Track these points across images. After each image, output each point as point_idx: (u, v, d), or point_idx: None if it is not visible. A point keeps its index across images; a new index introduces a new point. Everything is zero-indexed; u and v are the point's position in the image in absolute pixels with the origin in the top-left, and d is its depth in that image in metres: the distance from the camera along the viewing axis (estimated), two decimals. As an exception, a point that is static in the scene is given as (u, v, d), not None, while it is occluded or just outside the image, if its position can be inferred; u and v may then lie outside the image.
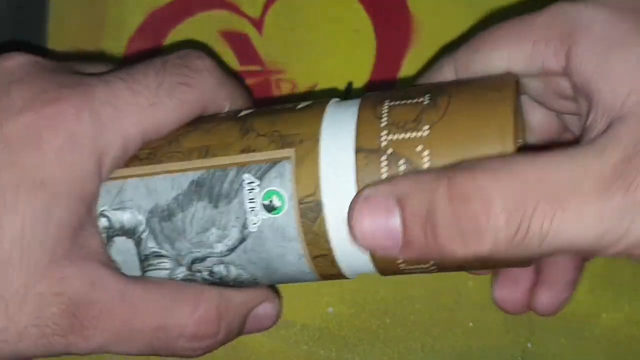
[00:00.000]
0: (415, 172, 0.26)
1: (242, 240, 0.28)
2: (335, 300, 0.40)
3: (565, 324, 0.40)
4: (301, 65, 0.42)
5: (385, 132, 0.26)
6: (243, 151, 0.28)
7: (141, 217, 0.29)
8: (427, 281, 0.40)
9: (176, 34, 0.42)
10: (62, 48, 0.42)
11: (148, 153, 0.30)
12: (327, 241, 0.27)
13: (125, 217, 0.29)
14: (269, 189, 0.27)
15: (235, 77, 0.34)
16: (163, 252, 0.29)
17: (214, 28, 0.42)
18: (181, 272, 0.30)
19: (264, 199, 0.27)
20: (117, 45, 0.42)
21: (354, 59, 0.42)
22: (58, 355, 0.29)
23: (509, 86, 0.26)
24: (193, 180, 0.28)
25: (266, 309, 0.33)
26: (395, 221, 0.25)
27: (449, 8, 0.43)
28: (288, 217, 0.27)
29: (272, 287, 0.36)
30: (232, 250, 0.28)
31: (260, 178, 0.27)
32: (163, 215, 0.29)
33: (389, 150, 0.26)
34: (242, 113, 0.30)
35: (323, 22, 0.43)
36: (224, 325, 0.31)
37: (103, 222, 0.29)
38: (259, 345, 0.39)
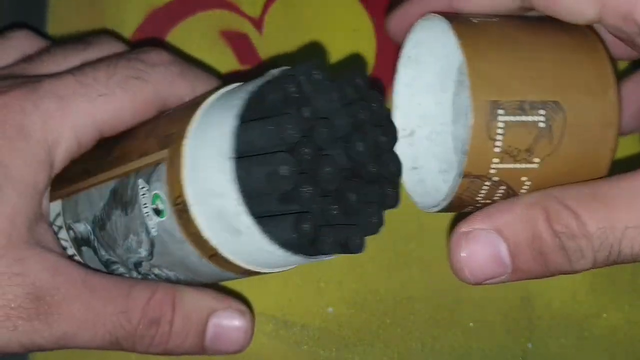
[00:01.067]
0: (505, 201, 0.27)
1: (152, 244, 0.28)
2: (335, 300, 0.40)
3: (566, 324, 0.40)
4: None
5: (497, 160, 0.26)
6: (140, 155, 0.28)
7: (89, 228, 0.30)
8: (427, 281, 0.40)
9: (176, 34, 0.42)
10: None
11: (96, 165, 0.30)
12: (206, 240, 0.26)
13: (81, 228, 0.30)
14: (154, 192, 0.27)
15: (199, 66, 0.34)
16: (113, 258, 0.30)
17: (214, 28, 0.42)
18: (135, 275, 0.30)
19: (152, 202, 0.27)
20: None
21: (354, 59, 0.42)
22: (20, 348, 0.28)
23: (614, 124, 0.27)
24: (111, 190, 0.29)
25: (232, 319, 0.32)
26: (502, 251, 0.27)
27: (449, 8, 0.43)
28: (170, 220, 0.26)
29: (244, 302, 0.34)
30: (151, 254, 0.28)
31: (148, 182, 0.27)
32: (100, 225, 0.29)
33: (495, 178, 0.26)
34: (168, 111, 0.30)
35: (323, 22, 0.43)
36: (179, 314, 0.30)
37: (71, 233, 0.30)
38: (259, 346, 0.39)
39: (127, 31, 0.42)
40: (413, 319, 0.40)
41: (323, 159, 0.25)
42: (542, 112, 0.26)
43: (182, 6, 0.43)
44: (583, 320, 0.40)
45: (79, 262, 0.30)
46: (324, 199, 0.26)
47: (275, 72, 0.26)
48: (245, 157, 0.24)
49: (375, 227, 0.28)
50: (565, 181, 0.27)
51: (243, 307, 0.33)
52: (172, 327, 0.30)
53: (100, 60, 0.31)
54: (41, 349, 0.29)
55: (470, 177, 0.26)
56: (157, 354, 0.31)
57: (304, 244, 0.25)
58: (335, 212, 0.26)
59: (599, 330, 0.40)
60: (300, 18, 0.43)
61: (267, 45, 0.42)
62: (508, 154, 0.26)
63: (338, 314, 0.40)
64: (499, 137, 0.26)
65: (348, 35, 0.43)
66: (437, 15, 0.28)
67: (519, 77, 0.26)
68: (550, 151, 0.26)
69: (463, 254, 0.27)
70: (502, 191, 0.27)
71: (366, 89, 0.27)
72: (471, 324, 0.40)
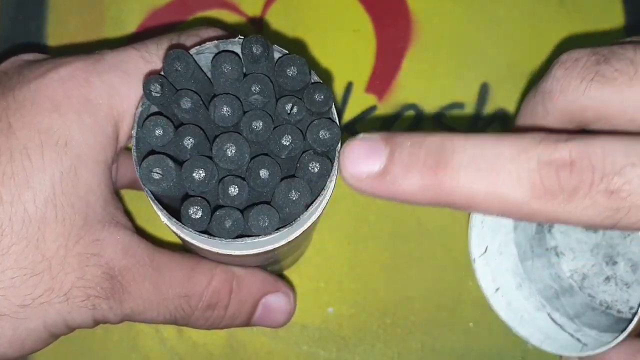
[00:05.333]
0: None
1: None
2: (335, 300, 0.40)
3: (566, 324, 0.40)
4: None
5: None
6: None
7: None
8: (427, 281, 0.40)
9: (176, 34, 0.42)
10: (62, 48, 0.42)
11: None
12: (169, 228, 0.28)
13: None
14: None
15: None
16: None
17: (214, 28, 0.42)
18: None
19: None
20: (116, 45, 0.42)
21: (354, 59, 0.42)
22: (93, 324, 0.29)
23: None
24: None
25: (279, 301, 0.34)
26: None
27: (449, 8, 0.43)
28: None
29: (289, 284, 0.37)
30: None
31: None
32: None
33: None
34: None
35: (323, 22, 0.43)
36: (234, 300, 0.32)
37: None
38: (259, 346, 0.39)
39: (127, 31, 0.42)
40: (413, 319, 0.40)
41: (221, 141, 0.25)
42: None
43: (182, 6, 0.43)
44: (583, 320, 0.40)
45: (143, 239, 0.30)
46: (228, 179, 0.26)
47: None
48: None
49: (294, 204, 0.26)
50: None
51: (289, 290, 0.35)
52: (226, 311, 0.32)
53: (162, 36, 0.31)
54: (108, 323, 0.30)
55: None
56: (207, 329, 0.33)
57: (203, 230, 0.26)
58: (235, 194, 0.26)
59: (598, 330, 0.40)
60: (300, 18, 0.43)
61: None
62: None
63: (338, 314, 0.40)
64: None
65: (348, 35, 0.43)
66: None
67: None
68: None
69: None
70: None
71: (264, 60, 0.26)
72: (471, 324, 0.40)
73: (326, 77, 0.42)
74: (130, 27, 0.42)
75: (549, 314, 0.36)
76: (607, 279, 0.35)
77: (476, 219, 0.33)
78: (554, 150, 0.21)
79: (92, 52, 0.42)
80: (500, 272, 0.36)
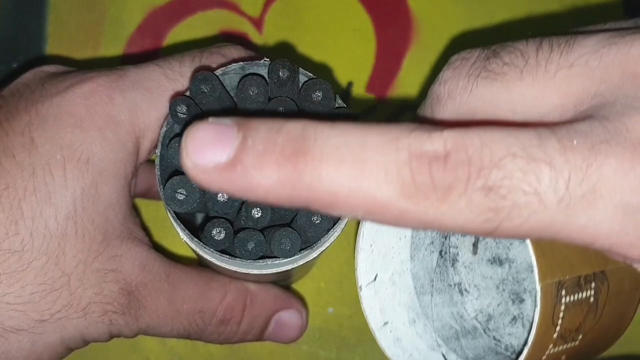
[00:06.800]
0: None
1: None
2: (336, 300, 0.40)
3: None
4: (301, 65, 0.42)
5: (552, 345, 0.24)
6: None
7: None
8: (427, 281, 0.40)
9: (176, 34, 0.42)
10: (62, 48, 0.42)
11: None
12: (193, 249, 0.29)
13: None
14: None
15: None
16: None
17: (214, 27, 0.42)
18: None
19: None
20: (116, 45, 0.42)
21: (354, 59, 0.42)
22: (108, 338, 0.29)
23: None
24: None
25: (291, 317, 0.34)
26: None
27: (449, 8, 0.43)
28: None
29: (301, 300, 0.37)
30: None
31: None
32: None
33: None
34: None
35: (323, 22, 0.43)
36: (247, 316, 0.32)
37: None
38: (259, 346, 0.39)
39: (127, 31, 0.42)
40: (413, 319, 0.40)
41: None
42: (592, 285, 0.24)
43: (182, 6, 0.43)
44: (582, 320, 0.40)
45: (160, 254, 0.31)
46: (252, 202, 0.26)
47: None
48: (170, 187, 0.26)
49: (316, 228, 0.26)
50: (594, 347, 0.26)
51: (302, 307, 0.35)
52: (239, 327, 0.32)
53: (185, 54, 0.31)
54: (123, 337, 0.30)
55: None
56: (220, 344, 0.33)
57: (224, 249, 0.26)
58: (258, 216, 0.26)
59: (598, 330, 0.40)
60: (300, 18, 0.43)
61: (267, 45, 0.42)
62: (562, 338, 0.24)
63: (338, 314, 0.40)
64: (560, 322, 0.24)
65: (348, 35, 0.43)
66: None
67: (573, 251, 0.24)
68: (592, 325, 0.25)
69: None
70: None
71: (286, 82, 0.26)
72: (471, 324, 0.40)
73: (326, 77, 0.42)
74: (130, 26, 0.42)
75: (443, 355, 0.33)
76: (514, 319, 0.32)
77: (364, 241, 0.31)
78: (427, 140, 0.18)
79: (89, 45, 0.42)
80: (392, 304, 0.33)
